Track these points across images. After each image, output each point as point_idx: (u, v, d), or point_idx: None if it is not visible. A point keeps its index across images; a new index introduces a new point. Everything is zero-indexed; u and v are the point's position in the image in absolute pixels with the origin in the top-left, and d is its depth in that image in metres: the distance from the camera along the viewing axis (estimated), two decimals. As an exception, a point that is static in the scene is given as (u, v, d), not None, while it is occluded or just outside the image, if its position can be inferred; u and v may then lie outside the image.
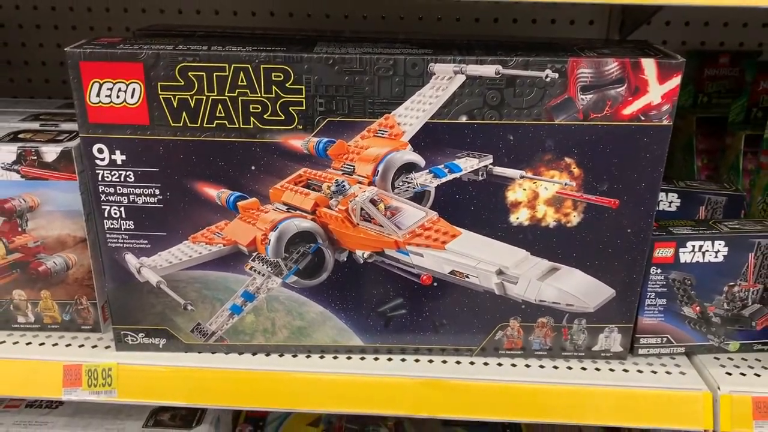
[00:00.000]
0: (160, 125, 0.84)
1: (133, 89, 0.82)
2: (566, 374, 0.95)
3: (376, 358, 0.97)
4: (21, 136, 0.96)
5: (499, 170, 0.86)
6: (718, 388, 0.91)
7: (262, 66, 0.81)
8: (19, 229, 0.96)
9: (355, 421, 1.34)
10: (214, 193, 0.88)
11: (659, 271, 0.94)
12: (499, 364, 0.96)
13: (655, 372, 0.95)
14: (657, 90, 0.82)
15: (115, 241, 0.90)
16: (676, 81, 0.82)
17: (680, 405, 0.92)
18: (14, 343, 0.99)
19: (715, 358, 0.99)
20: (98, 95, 0.82)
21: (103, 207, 0.89)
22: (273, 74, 0.82)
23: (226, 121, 0.84)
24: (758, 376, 0.94)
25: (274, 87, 0.82)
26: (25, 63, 1.45)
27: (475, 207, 0.88)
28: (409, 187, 0.87)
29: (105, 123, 0.84)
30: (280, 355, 0.97)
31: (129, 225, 0.90)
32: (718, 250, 0.93)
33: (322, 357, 0.97)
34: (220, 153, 0.86)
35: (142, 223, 0.89)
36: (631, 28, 1.29)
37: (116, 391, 0.94)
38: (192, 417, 1.21)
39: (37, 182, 0.93)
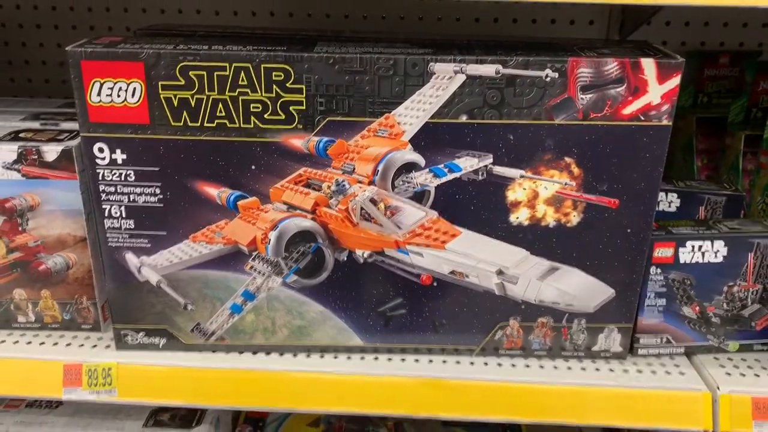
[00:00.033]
0: (161, 124, 0.84)
1: (134, 88, 0.82)
2: (566, 374, 0.95)
3: (375, 358, 0.97)
4: (22, 135, 0.96)
5: (499, 170, 0.86)
6: (718, 388, 0.91)
7: (262, 65, 0.81)
8: (20, 229, 0.96)
9: (354, 421, 1.34)
10: (214, 192, 0.88)
11: (659, 271, 0.94)
12: (499, 364, 0.96)
13: (654, 372, 0.95)
14: (656, 90, 0.82)
15: (115, 240, 0.91)
16: (675, 81, 0.82)
17: (680, 405, 0.92)
18: (14, 343, 0.99)
19: (715, 358, 0.99)
20: (99, 94, 0.83)
21: (103, 206, 0.89)
22: (273, 74, 0.82)
23: (226, 121, 0.84)
24: (758, 376, 0.94)
25: (274, 86, 0.82)
26: (26, 62, 1.46)
27: (475, 207, 0.88)
28: (409, 186, 0.88)
29: (106, 122, 0.84)
30: (280, 355, 0.97)
31: (129, 224, 0.90)
32: (718, 251, 0.93)
33: (322, 356, 0.97)
34: (221, 152, 0.86)
35: (143, 222, 0.90)
36: (631, 28, 1.29)
37: (116, 391, 0.94)
38: (192, 417, 1.21)
39: (37, 181, 0.93)
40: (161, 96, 0.83)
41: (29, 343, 0.99)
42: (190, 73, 0.82)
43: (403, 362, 0.96)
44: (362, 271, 0.92)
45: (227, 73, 0.82)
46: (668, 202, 1.06)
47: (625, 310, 0.94)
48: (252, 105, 0.83)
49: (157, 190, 0.88)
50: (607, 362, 0.97)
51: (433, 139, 0.85)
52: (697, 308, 0.96)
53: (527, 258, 0.90)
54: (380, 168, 0.86)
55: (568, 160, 0.86)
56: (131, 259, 0.91)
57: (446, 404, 0.93)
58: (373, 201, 0.88)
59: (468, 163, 0.86)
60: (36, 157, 0.92)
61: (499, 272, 0.90)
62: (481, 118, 0.84)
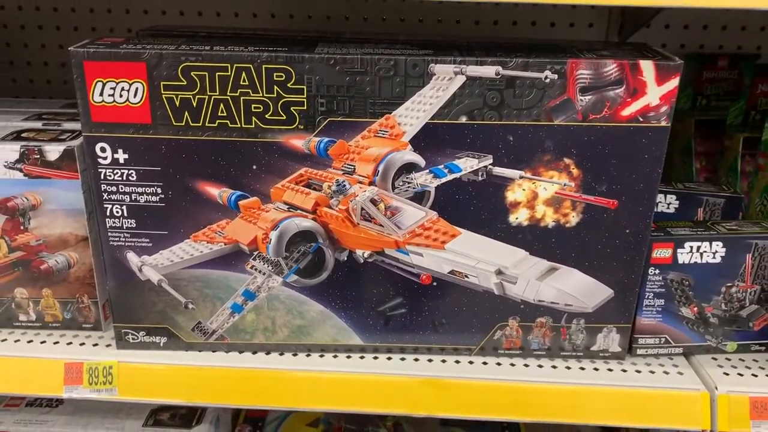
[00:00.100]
0: (163, 124, 0.85)
1: (136, 89, 0.83)
2: (565, 374, 0.95)
3: (375, 357, 0.98)
4: (24, 135, 0.97)
5: (498, 170, 0.87)
6: (716, 388, 0.92)
7: (263, 66, 0.82)
8: (22, 228, 0.96)
9: (354, 421, 1.34)
10: (215, 192, 0.88)
11: (657, 271, 0.94)
12: (498, 364, 0.97)
13: (653, 372, 0.96)
14: (655, 91, 0.83)
15: (116, 239, 0.91)
16: (674, 83, 0.82)
17: (678, 405, 0.92)
18: (15, 341, 1.00)
19: (713, 358, 0.99)
20: (101, 94, 0.83)
21: (105, 205, 0.89)
22: (275, 74, 0.82)
23: (227, 121, 0.85)
24: (755, 376, 0.95)
25: (275, 87, 0.83)
26: (28, 63, 1.46)
27: (474, 207, 0.89)
28: (409, 187, 0.88)
29: (108, 122, 0.85)
30: (280, 354, 0.98)
31: (131, 223, 0.90)
32: (716, 251, 0.94)
33: (322, 356, 0.98)
34: (222, 152, 0.86)
35: (144, 221, 0.90)
36: (631, 31, 1.30)
37: (117, 389, 0.95)
38: (192, 416, 1.21)
39: (39, 181, 0.94)
40: (163, 96, 0.83)
41: (30, 341, 1.00)
42: (192, 73, 0.82)
43: (403, 361, 0.97)
44: (362, 271, 0.93)
45: (229, 73, 0.83)
46: (667, 203, 1.07)
47: (624, 311, 0.95)
48: (253, 105, 0.84)
49: (159, 190, 0.88)
50: (606, 362, 0.98)
51: (433, 140, 0.86)
52: (696, 309, 0.97)
53: (526, 258, 0.91)
54: (380, 168, 0.87)
55: (567, 161, 0.86)
56: (132, 258, 0.92)
57: (445, 403, 0.94)
58: (374, 201, 0.89)
59: (468, 164, 0.86)
60: (38, 156, 0.92)
61: (499, 272, 0.90)
62: (481, 119, 0.84)
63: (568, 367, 0.96)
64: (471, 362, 0.97)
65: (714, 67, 1.32)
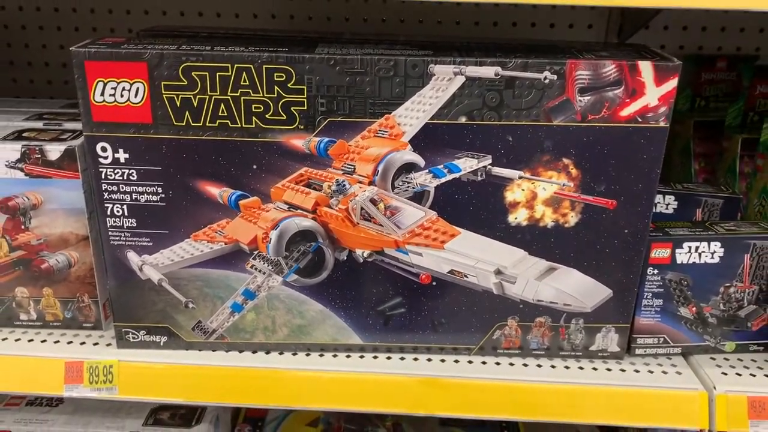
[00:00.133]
0: (163, 124, 0.85)
1: (137, 88, 0.83)
2: (563, 373, 0.95)
3: (375, 357, 0.98)
4: (25, 134, 0.97)
5: (497, 171, 0.87)
6: (714, 388, 0.92)
7: (264, 66, 0.82)
8: (23, 227, 0.97)
9: (353, 421, 1.34)
10: (216, 191, 0.89)
11: (656, 271, 0.95)
12: (497, 363, 0.97)
13: (651, 372, 0.96)
14: (654, 92, 0.83)
15: (117, 238, 0.91)
16: (672, 83, 0.83)
17: (677, 404, 0.93)
18: (16, 340, 1.00)
19: (711, 358, 1.00)
20: (102, 94, 0.83)
21: (105, 205, 0.90)
22: (275, 74, 0.83)
23: (228, 121, 0.85)
24: (753, 376, 0.95)
25: (276, 87, 0.83)
26: (28, 64, 1.46)
27: (474, 207, 0.89)
28: (408, 186, 0.88)
29: (109, 122, 0.85)
30: (280, 353, 0.98)
31: (131, 223, 0.91)
32: (714, 251, 0.94)
33: (321, 355, 0.98)
34: (223, 152, 0.87)
35: (145, 221, 0.90)
36: (630, 32, 1.31)
37: (117, 388, 0.95)
38: (191, 416, 1.21)
39: (40, 180, 0.94)
40: (164, 96, 0.84)
41: (31, 341, 1.00)
42: (193, 73, 0.83)
43: (402, 361, 0.97)
44: (362, 271, 0.93)
45: (229, 73, 0.83)
46: (665, 204, 1.07)
47: (623, 310, 0.95)
48: (254, 105, 0.84)
49: (159, 189, 0.89)
50: (605, 362, 0.98)
51: (433, 140, 0.86)
52: (694, 309, 0.97)
53: (525, 258, 0.91)
54: (380, 168, 0.87)
55: (566, 161, 0.87)
56: (133, 257, 0.92)
57: (444, 402, 0.94)
58: (373, 201, 0.89)
59: (467, 164, 0.87)
60: (39, 156, 0.93)
61: (498, 272, 0.91)
62: (480, 120, 0.85)
63: (567, 367, 0.97)
64: (470, 362, 0.97)
65: (713, 68, 1.32)
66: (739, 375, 0.95)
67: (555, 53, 0.85)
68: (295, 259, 0.92)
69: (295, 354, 0.98)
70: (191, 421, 1.20)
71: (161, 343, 0.97)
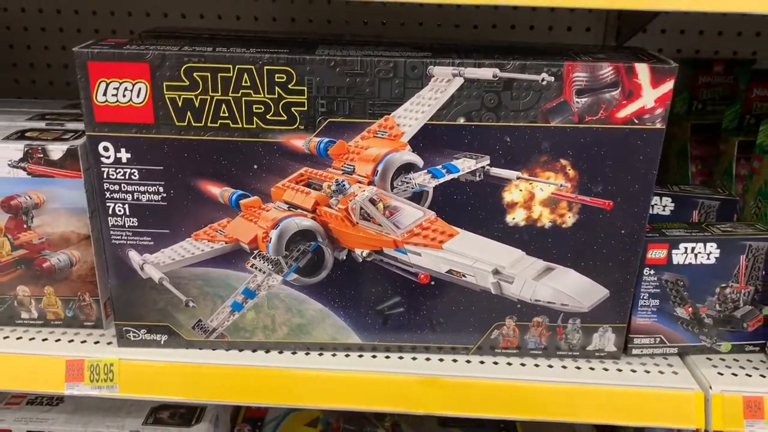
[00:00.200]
0: (165, 124, 0.86)
1: (139, 89, 0.84)
2: (561, 373, 0.96)
3: (374, 356, 0.99)
4: (27, 134, 0.98)
5: (495, 171, 0.88)
6: (710, 388, 0.93)
7: (265, 67, 0.83)
8: (25, 226, 0.97)
9: (352, 421, 1.35)
10: (216, 191, 0.89)
11: (652, 272, 0.95)
12: (495, 363, 0.98)
13: (648, 371, 0.97)
14: (650, 94, 0.84)
15: (118, 238, 0.92)
16: (669, 85, 0.84)
17: (673, 404, 0.93)
18: (18, 339, 1.01)
19: (707, 358, 1.00)
20: (105, 94, 0.84)
21: (107, 204, 0.90)
22: (276, 75, 0.84)
23: (229, 121, 0.86)
24: (749, 376, 0.96)
25: (276, 88, 0.84)
26: (30, 65, 1.47)
27: (472, 207, 0.90)
28: (407, 187, 0.89)
29: (111, 122, 0.86)
30: (280, 352, 0.99)
31: (133, 222, 0.91)
32: (710, 252, 0.95)
33: (320, 354, 0.99)
34: (224, 152, 0.87)
35: (146, 220, 0.91)
36: (627, 35, 1.32)
37: (118, 387, 0.96)
38: (191, 415, 1.22)
39: (42, 180, 0.95)
40: (166, 96, 0.85)
41: (32, 339, 1.01)
42: (195, 74, 0.84)
43: (401, 360, 0.98)
44: (361, 270, 0.94)
45: (231, 74, 0.84)
46: (662, 206, 1.08)
47: (619, 311, 0.96)
48: (254, 106, 0.85)
49: (161, 189, 0.90)
50: (602, 362, 0.99)
51: (432, 141, 0.87)
52: (690, 309, 0.98)
53: (523, 258, 0.92)
54: (379, 168, 0.88)
55: (563, 162, 0.88)
56: (134, 256, 0.93)
57: (443, 401, 0.95)
58: (373, 201, 0.90)
59: (465, 165, 0.88)
60: (41, 155, 0.94)
61: (496, 272, 0.92)
62: (479, 121, 0.86)
63: (564, 367, 0.97)
64: (468, 361, 0.98)
65: (710, 72, 1.33)
66: (735, 375, 0.96)
67: (553, 55, 0.86)
68: (294, 259, 0.92)
69: (294, 353, 0.99)
70: (191, 420, 1.21)
71: (162, 342, 0.98)
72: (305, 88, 0.84)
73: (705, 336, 1.00)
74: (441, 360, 0.98)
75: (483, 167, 0.88)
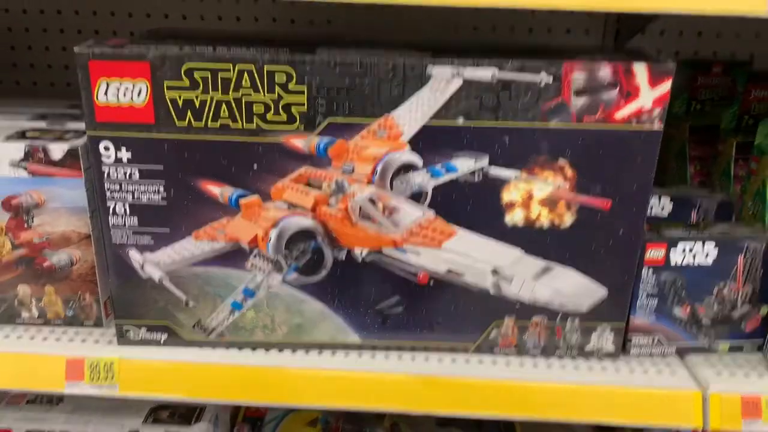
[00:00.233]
0: (166, 124, 0.86)
1: (140, 89, 0.85)
2: (559, 373, 0.96)
3: (373, 356, 0.99)
4: (28, 134, 0.98)
5: (494, 171, 0.88)
6: (708, 387, 0.93)
7: (265, 67, 0.84)
8: (25, 226, 0.98)
9: (352, 421, 1.35)
10: (217, 190, 0.90)
11: (651, 272, 0.96)
12: (494, 362, 0.98)
13: (646, 371, 0.97)
14: (648, 94, 0.85)
15: (119, 237, 0.92)
16: (667, 85, 0.84)
17: (671, 403, 0.93)
18: (18, 338, 1.01)
19: (706, 358, 1.01)
20: (106, 94, 0.85)
21: (108, 204, 0.91)
22: (276, 75, 0.84)
23: (229, 121, 0.86)
24: (747, 376, 0.96)
25: (277, 88, 0.85)
26: (31, 66, 1.48)
27: (471, 207, 0.90)
28: (407, 186, 0.90)
29: (112, 121, 0.86)
30: (279, 351, 0.99)
31: (133, 221, 0.92)
32: (708, 253, 0.95)
33: (320, 353, 0.99)
34: (224, 152, 0.88)
35: (146, 219, 0.91)
36: (626, 37, 1.32)
37: (118, 385, 0.96)
38: (191, 415, 1.22)
39: (43, 179, 0.95)
40: (166, 96, 0.85)
41: (32, 338, 1.01)
42: (195, 74, 0.84)
43: (400, 360, 0.98)
44: (361, 270, 0.94)
45: (231, 74, 0.84)
46: (661, 206, 1.08)
47: (618, 310, 0.96)
48: (255, 106, 0.86)
49: (161, 188, 0.90)
50: (600, 361, 0.99)
51: (431, 141, 0.87)
52: (688, 309, 0.98)
53: (522, 258, 0.92)
54: (379, 168, 0.88)
55: (561, 162, 0.88)
56: (134, 255, 0.93)
57: (442, 401, 0.95)
58: (372, 200, 0.90)
59: (464, 165, 0.88)
60: (42, 155, 0.94)
61: (495, 271, 0.92)
62: (478, 121, 0.86)
63: (563, 366, 0.98)
64: (467, 360, 0.98)
65: (708, 73, 1.33)
66: (733, 375, 0.96)
67: (551, 56, 0.86)
68: (294, 258, 0.93)
69: (294, 352, 0.99)
70: (190, 419, 1.21)
71: (162, 341, 0.98)
72: (305, 88, 0.85)
73: (703, 336, 1.00)
74: (440, 360, 0.98)
75: (482, 167, 0.88)
